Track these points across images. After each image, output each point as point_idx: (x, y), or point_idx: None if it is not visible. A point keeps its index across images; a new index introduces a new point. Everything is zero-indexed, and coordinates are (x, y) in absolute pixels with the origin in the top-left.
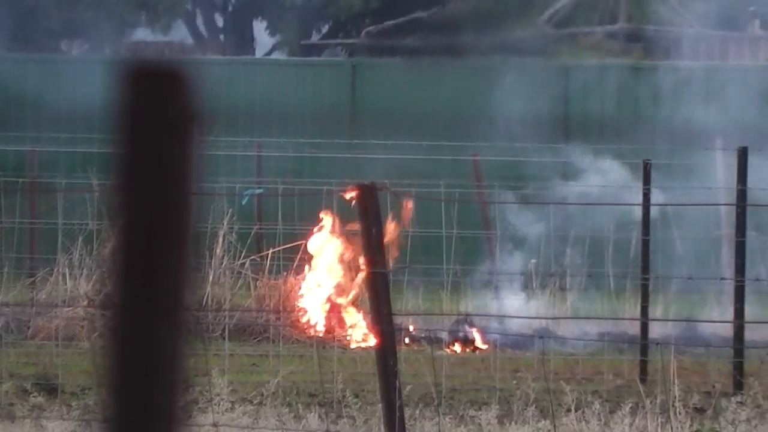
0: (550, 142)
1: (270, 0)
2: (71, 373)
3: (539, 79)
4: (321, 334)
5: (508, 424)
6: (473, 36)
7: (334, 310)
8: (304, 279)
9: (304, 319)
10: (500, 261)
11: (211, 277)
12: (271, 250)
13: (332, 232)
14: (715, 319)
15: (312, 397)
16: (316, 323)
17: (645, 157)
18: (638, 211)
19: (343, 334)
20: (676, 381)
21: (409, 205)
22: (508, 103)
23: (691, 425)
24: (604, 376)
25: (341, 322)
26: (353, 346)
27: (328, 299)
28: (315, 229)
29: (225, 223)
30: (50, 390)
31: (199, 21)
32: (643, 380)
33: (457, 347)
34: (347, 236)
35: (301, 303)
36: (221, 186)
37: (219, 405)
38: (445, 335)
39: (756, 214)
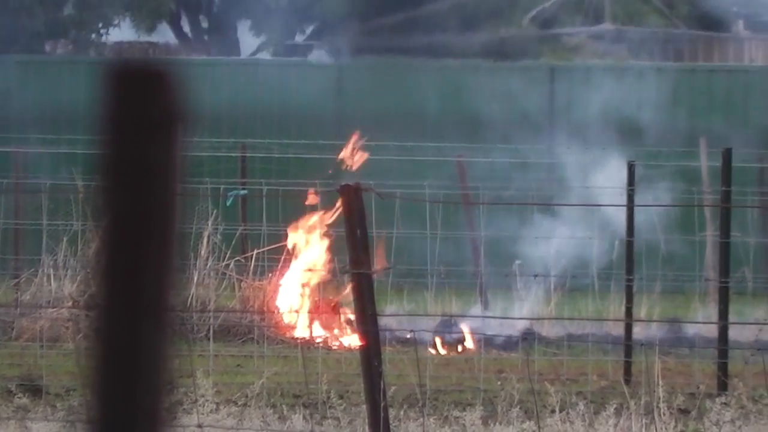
0: (536, 143)
1: (254, 0)
2: (56, 374)
3: (524, 80)
4: (306, 336)
5: (492, 425)
6: (458, 37)
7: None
8: (285, 279)
9: (286, 321)
10: (485, 262)
11: (195, 278)
12: (255, 251)
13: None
14: (699, 320)
15: (297, 398)
16: (296, 323)
17: (629, 158)
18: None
19: (327, 335)
20: (660, 382)
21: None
22: (493, 103)
23: (675, 426)
24: (588, 377)
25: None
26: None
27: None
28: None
29: (209, 224)
30: (35, 391)
31: (184, 22)
32: (627, 381)
33: (441, 348)
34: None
35: (283, 305)
36: (206, 187)
37: (204, 406)
38: (429, 336)
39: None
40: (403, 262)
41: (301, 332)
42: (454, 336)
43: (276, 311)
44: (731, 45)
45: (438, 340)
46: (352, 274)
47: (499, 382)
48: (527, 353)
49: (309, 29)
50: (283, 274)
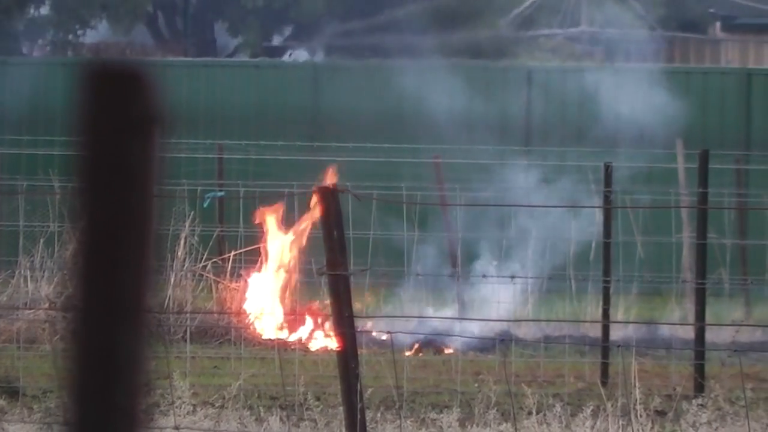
0: (512, 145)
1: (232, 2)
2: (33, 376)
3: (501, 82)
4: (282, 338)
5: (469, 427)
6: (436, 38)
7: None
8: (258, 281)
9: (260, 323)
10: (463, 263)
11: (172, 280)
12: (232, 253)
13: (284, 231)
14: (676, 322)
15: (273, 399)
16: (272, 325)
17: (606, 160)
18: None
19: (304, 338)
20: (637, 384)
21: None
22: (470, 105)
23: (652, 428)
24: (565, 378)
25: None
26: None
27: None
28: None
29: (187, 226)
30: (11, 393)
31: (161, 23)
32: (604, 383)
33: (418, 349)
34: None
35: (255, 306)
36: (183, 188)
37: (180, 408)
38: (406, 338)
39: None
40: (380, 263)
41: (278, 334)
42: (431, 338)
43: (252, 313)
44: (708, 47)
45: (414, 342)
46: (329, 275)
47: (476, 384)
48: (504, 355)
49: (287, 31)
50: (260, 276)
